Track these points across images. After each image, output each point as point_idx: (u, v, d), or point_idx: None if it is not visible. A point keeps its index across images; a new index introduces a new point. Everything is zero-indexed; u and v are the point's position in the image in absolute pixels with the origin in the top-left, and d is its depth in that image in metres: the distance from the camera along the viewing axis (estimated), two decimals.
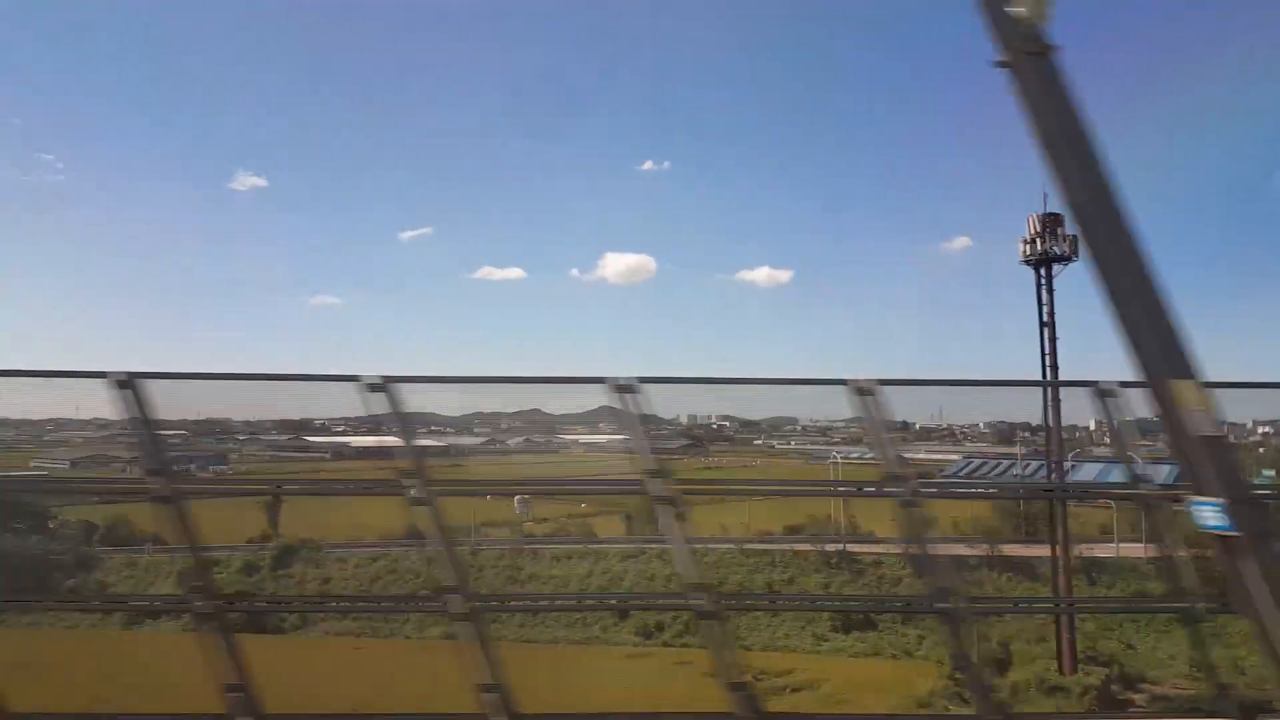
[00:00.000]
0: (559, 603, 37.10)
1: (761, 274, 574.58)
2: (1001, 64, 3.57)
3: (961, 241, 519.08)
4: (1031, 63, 3.53)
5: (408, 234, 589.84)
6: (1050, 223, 30.56)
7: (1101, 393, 4.87)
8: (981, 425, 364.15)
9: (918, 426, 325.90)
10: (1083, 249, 3.51)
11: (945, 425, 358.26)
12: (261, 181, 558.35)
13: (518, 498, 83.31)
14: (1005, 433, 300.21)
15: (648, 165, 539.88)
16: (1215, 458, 3.18)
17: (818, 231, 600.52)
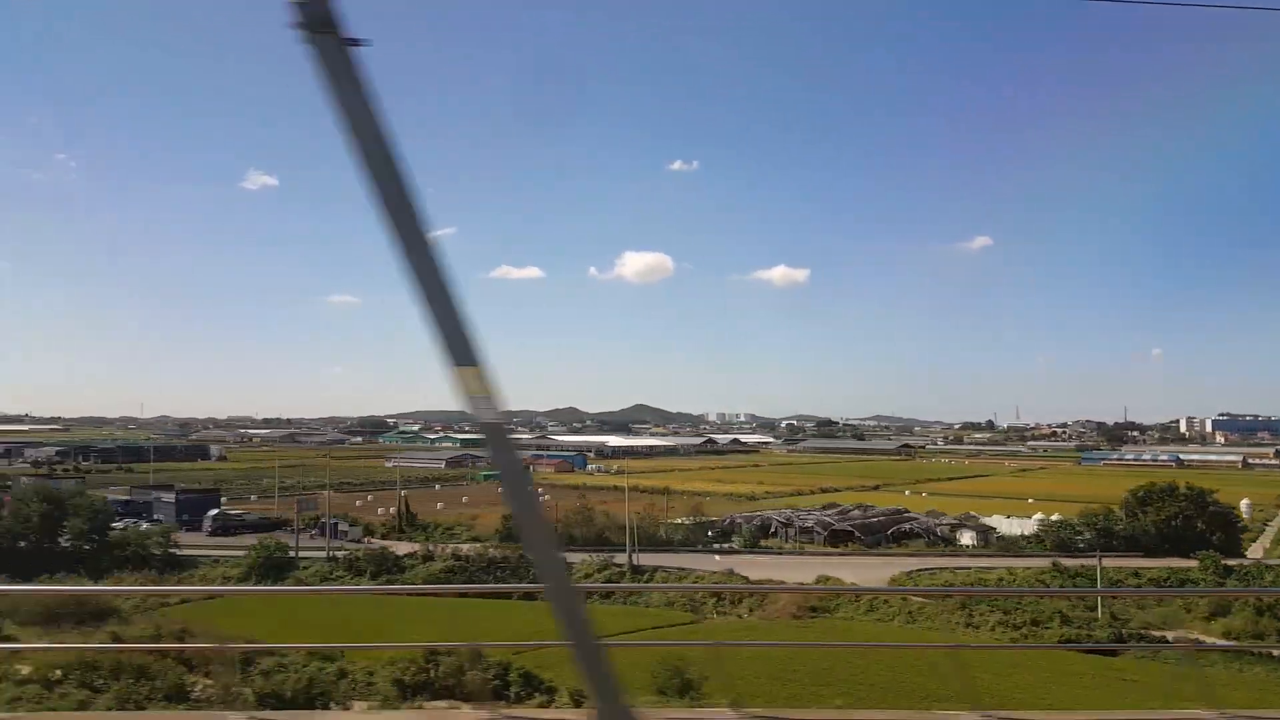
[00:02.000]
0: None
1: (778, 273, 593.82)
2: (300, 37, 3.59)
3: (981, 240, 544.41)
4: (323, 42, 3.60)
5: (432, 234, 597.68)
6: None
7: None
8: (1070, 423, 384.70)
9: (1006, 425, 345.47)
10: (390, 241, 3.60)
11: (1034, 424, 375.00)
12: (273, 180, 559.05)
13: (1246, 502, 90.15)
14: (1114, 433, 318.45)
15: (677, 165, 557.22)
16: (494, 440, 3.62)
17: (836, 232, 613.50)
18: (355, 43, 3.64)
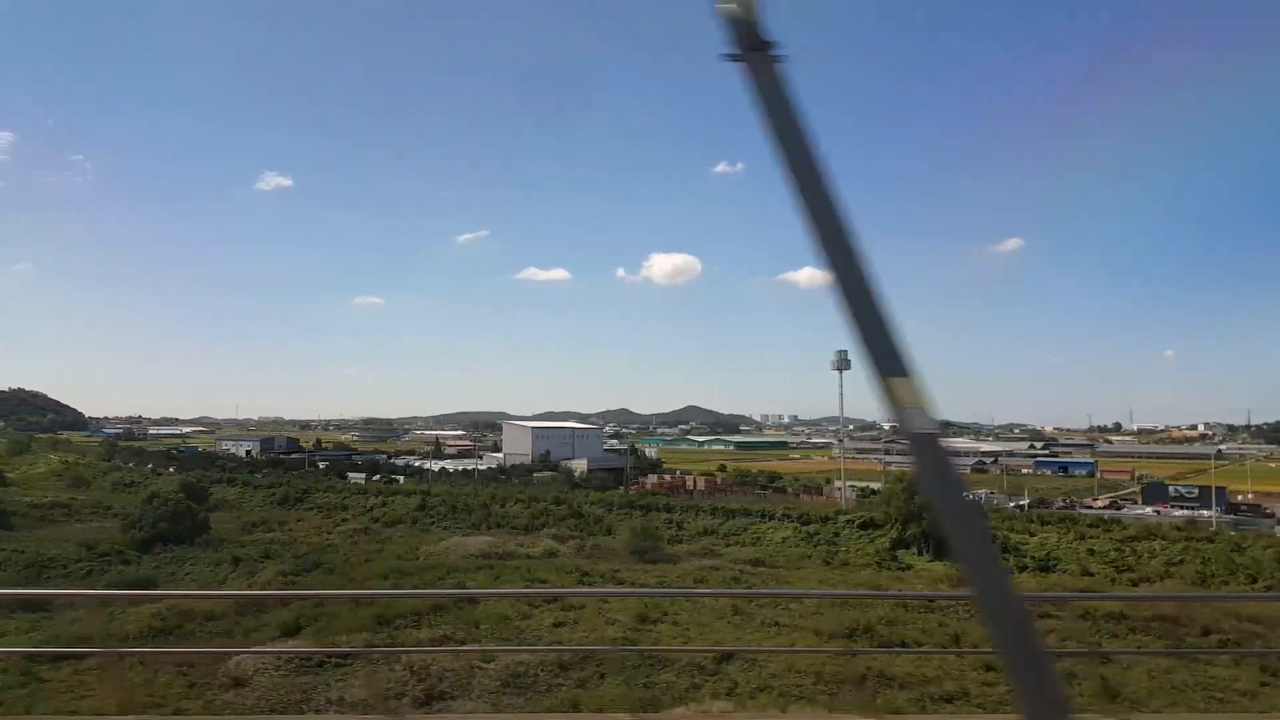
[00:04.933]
0: None
1: (804, 275, 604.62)
2: (731, 58, 3.76)
3: (1013, 243, 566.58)
4: (754, 59, 3.73)
5: (465, 236, 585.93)
6: None
7: None
8: (1202, 426, 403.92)
9: (1137, 428, 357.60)
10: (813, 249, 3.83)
11: (1163, 426, 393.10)
12: (286, 181, 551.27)
13: None
14: (1273, 434, 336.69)
15: (721, 167, 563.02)
16: (925, 452, 3.40)
17: (862, 234, 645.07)
18: (780, 58, 3.81)
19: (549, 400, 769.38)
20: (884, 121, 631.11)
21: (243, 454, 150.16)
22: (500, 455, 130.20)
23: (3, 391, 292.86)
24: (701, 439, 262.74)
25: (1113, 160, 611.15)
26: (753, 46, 3.74)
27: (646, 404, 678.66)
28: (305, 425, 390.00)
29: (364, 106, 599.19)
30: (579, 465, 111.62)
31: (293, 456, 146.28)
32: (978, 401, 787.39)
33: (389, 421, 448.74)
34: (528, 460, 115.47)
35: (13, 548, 53.60)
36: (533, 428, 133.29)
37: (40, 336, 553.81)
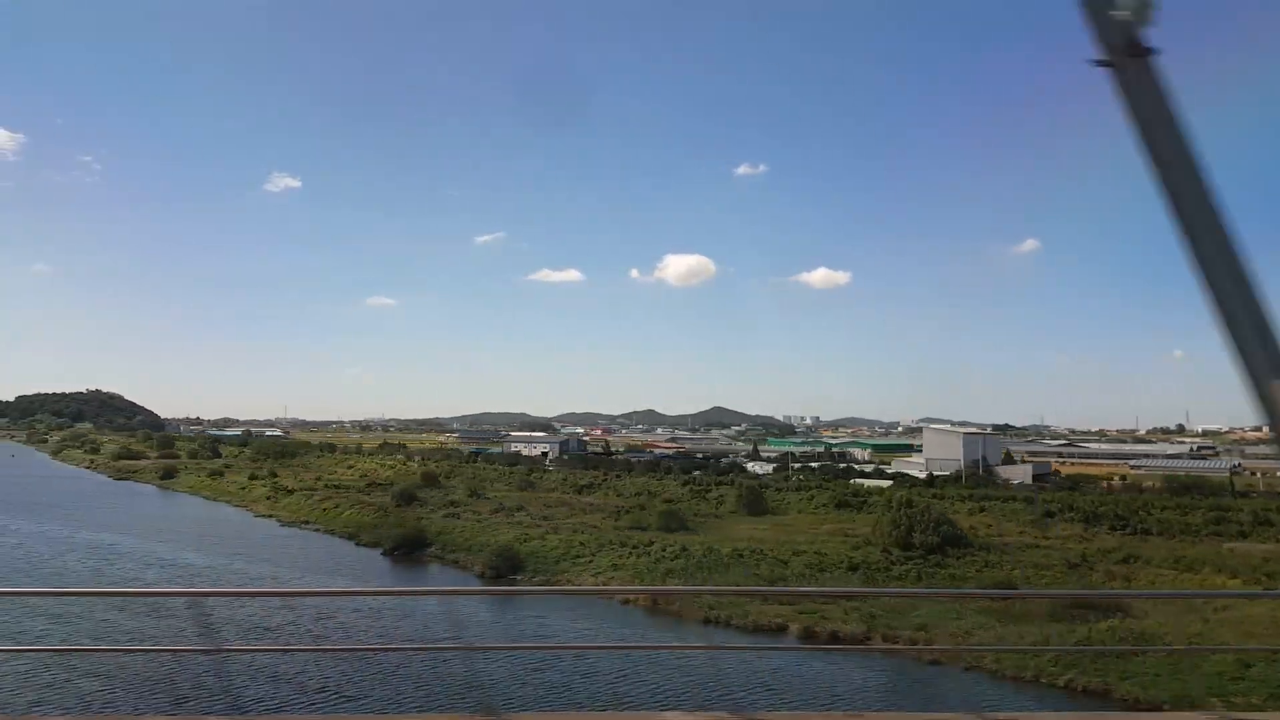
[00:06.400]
0: None
1: (819, 275, 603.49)
2: (1101, 64, 3.50)
3: (1030, 244, 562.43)
4: (1131, 65, 3.48)
5: (483, 238, 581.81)
6: None
7: None
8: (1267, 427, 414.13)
9: (1200, 430, 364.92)
10: (1186, 257, 3.41)
11: (1227, 428, 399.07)
12: (295, 182, 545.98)
13: None
14: None
15: (743, 169, 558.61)
16: None
17: (877, 234, 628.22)
18: (1157, 64, 3.54)
19: (571, 401, 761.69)
20: (889, 123, 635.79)
21: (538, 454, 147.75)
22: (921, 460, 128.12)
23: (81, 393, 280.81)
24: (836, 440, 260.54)
25: (1123, 160, 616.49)
26: (1132, 53, 3.51)
27: (672, 405, 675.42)
28: (324, 425, 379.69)
29: (374, 108, 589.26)
30: (1018, 471, 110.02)
31: (609, 457, 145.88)
32: (993, 403, 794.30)
33: (430, 421, 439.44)
34: (957, 466, 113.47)
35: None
36: (963, 434, 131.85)
37: (51, 336, 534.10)
